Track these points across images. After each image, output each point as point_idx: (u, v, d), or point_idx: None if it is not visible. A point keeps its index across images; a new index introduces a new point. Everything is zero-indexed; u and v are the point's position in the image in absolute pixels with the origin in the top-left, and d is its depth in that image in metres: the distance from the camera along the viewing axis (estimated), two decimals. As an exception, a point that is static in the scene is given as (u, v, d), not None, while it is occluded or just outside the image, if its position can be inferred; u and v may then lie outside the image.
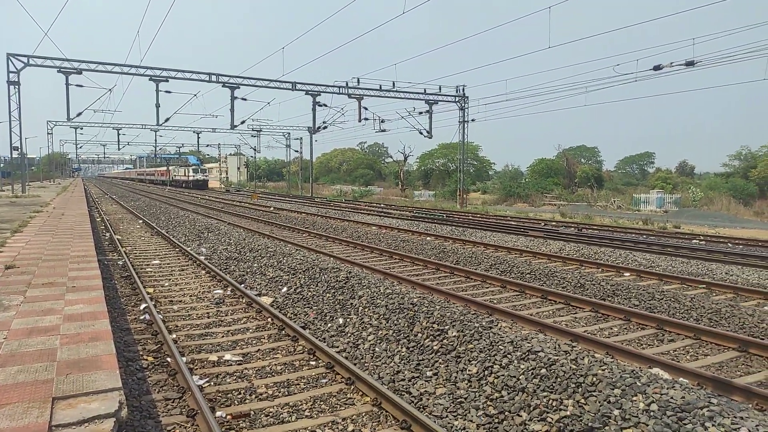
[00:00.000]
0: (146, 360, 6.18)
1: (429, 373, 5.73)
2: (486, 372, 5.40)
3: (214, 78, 31.05)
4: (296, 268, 10.64)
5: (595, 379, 4.73)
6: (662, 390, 4.39)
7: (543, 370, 5.07)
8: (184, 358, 6.15)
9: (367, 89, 34.51)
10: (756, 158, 52.51)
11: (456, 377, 5.51)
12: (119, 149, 67.51)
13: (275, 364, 6.16)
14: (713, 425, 3.90)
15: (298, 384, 5.62)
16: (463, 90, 37.21)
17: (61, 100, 28.36)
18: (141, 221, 22.79)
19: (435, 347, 6.21)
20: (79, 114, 31.24)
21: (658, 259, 12.99)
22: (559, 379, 4.88)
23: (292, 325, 7.23)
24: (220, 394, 5.29)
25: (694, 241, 17.62)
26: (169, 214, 24.97)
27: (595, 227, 22.04)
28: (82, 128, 57.11)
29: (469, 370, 5.53)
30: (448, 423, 4.74)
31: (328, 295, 8.84)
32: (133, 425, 4.48)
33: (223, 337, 7.20)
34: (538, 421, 4.53)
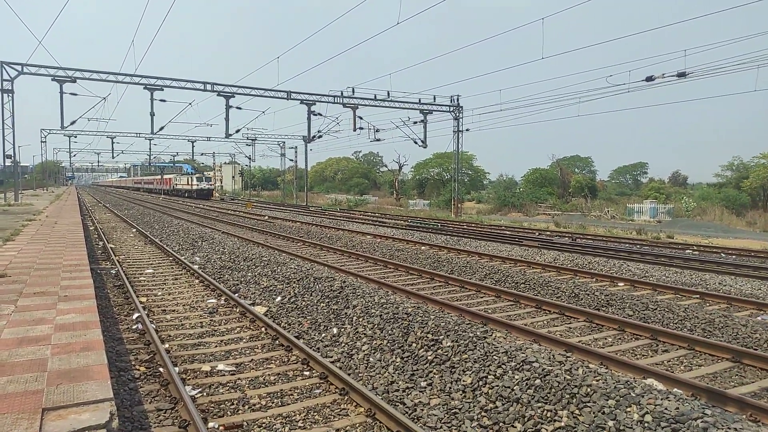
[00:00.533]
0: (138, 370, 6.12)
1: (423, 384, 5.71)
2: (480, 382, 5.38)
3: (209, 87, 31.09)
4: (290, 278, 10.60)
5: (589, 389, 4.73)
6: (656, 401, 4.39)
7: (537, 381, 5.06)
8: (177, 368, 6.10)
9: (362, 99, 34.65)
10: (748, 169, 52.90)
11: (450, 387, 5.49)
12: (113, 157, 67.19)
13: (269, 375, 6.12)
14: (707, 436, 3.90)
15: (292, 394, 5.58)
16: (458, 100, 37.44)
17: (55, 108, 28.35)
18: (134, 230, 22.68)
19: (429, 357, 6.18)
20: (73, 122, 31.17)
21: (652, 269, 13.04)
22: (553, 390, 4.87)
23: (286, 335, 7.19)
24: (212, 405, 5.24)
25: (688, 251, 17.70)
26: (163, 222, 24.86)
27: (589, 237, 22.12)
28: (76, 136, 57.06)
29: (463, 381, 5.51)
30: (443, 434, 4.71)
31: (322, 304, 8.81)
32: (124, 437, 4.42)
33: (216, 346, 7.15)
34: (533, 432, 4.51)
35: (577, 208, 47.46)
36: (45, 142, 57.81)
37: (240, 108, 33.54)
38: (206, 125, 46.90)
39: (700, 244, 19.69)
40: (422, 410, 5.17)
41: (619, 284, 11.33)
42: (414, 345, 6.56)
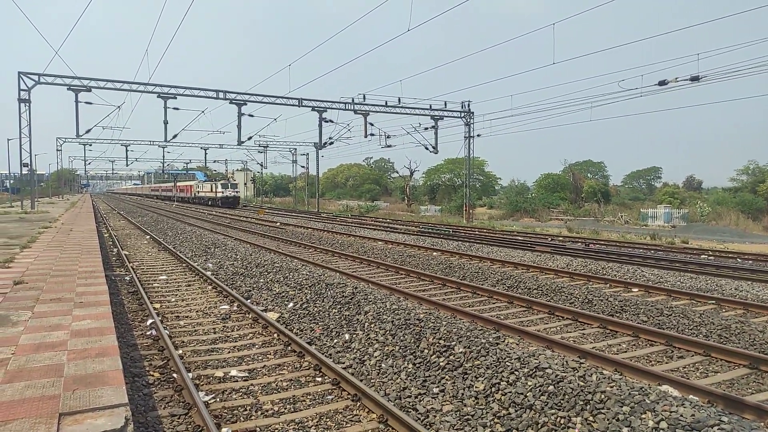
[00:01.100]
0: (152, 376, 6.18)
1: (436, 390, 5.69)
2: (493, 389, 5.36)
3: (221, 95, 31.40)
4: (302, 284, 10.63)
5: (603, 396, 4.68)
6: (672, 407, 4.34)
7: (551, 387, 5.02)
8: (190, 374, 6.15)
9: (373, 105, 34.75)
10: (764, 173, 52.14)
11: (463, 394, 5.47)
12: (127, 165, 67.85)
13: (281, 380, 6.14)
14: (724, 444, 3.84)
15: (304, 400, 5.59)
16: (469, 105, 37.42)
17: (71, 116, 28.73)
18: (148, 237, 22.90)
19: (442, 363, 6.17)
20: (88, 131, 31.62)
21: (667, 274, 12.89)
22: (567, 396, 4.83)
23: (298, 341, 7.21)
24: (225, 411, 5.27)
25: (703, 256, 17.48)
26: (176, 229, 25.08)
27: (603, 242, 21.93)
28: (90, 144, 57.75)
29: (476, 387, 5.49)
30: (455, 440, 4.69)
31: (334, 310, 8.83)
32: (139, 442, 4.46)
33: (229, 352, 7.19)
34: (547, 438, 4.48)
35: (590, 213, 47.09)
36: (60, 150, 58.53)
37: (252, 115, 33.85)
38: (219, 132, 47.27)
39: (716, 249, 19.44)
40: (435, 416, 5.16)
41: (633, 290, 11.22)
42: (426, 351, 6.55)
